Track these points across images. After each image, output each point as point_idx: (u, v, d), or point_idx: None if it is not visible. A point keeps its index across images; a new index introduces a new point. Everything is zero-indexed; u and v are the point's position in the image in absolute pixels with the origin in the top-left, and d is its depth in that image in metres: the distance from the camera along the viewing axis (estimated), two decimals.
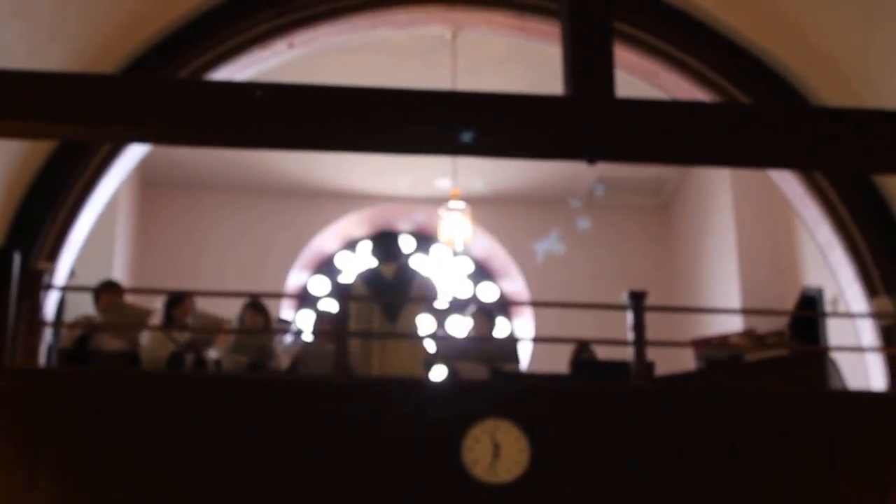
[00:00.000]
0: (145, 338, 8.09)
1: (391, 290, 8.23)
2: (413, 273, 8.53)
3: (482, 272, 13.69)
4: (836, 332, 9.83)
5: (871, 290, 8.80)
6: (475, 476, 6.81)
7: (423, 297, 8.44)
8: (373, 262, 8.59)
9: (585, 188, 12.88)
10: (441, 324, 9.16)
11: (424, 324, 8.37)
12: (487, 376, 8.01)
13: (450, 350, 8.47)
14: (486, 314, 8.83)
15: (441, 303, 9.18)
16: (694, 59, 9.22)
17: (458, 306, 12.66)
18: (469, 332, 8.83)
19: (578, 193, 12.92)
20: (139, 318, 8.05)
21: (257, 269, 12.53)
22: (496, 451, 6.84)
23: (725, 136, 4.99)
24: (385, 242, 9.02)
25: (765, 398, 7.26)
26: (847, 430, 7.07)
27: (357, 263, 13.37)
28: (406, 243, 13.60)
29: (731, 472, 6.95)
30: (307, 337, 8.95)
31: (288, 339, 9.28)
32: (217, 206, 13.05)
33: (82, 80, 5.26)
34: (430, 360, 8.31)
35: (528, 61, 10.75)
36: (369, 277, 8.36)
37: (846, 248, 8.96)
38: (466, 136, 4.75)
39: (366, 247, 13.49)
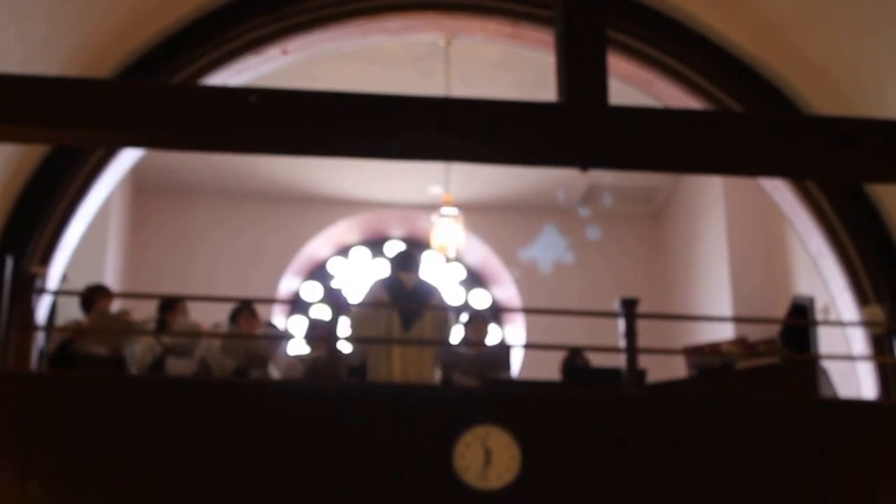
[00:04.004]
0: (135, 344, 8.10)
1: (411, 300, 8.31)
2: (430, 286, 8.61)
3: (474, 279, 13.70)
4: (826, 340, 9.84)
5: (862, 298, 8.81)
6: (466, 482, 6.82)
7: (441, 309, 8.45)
8: (370, 268, 8.58)
9: (578, 195, 12.89)
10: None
11: (443, 335, 8.39)
12: (478, 383, 8.01)
13: (445, 359, 8.48)
14: (480, 320, 8.84)
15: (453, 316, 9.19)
16: (687, 68, 9.23)
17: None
18: (463, 338, 8.82)
19: (571, 200, 12.93)
20: (122, 327, 8.07)
21: (249, 274, 12.52)
22: (487, 457, 6.85)
23: (718, 144, 5.00)
24: (405, 252, 9.00)
25: (756, 406, 7.28)
26: (837, 439, 7.10)
27: (349, 269, 13.36)
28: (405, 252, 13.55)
29: (721, 480, 6.97)
30: (301, 344, 8.92)
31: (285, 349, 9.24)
32: (209, 211, 13.04)
33: (76, 84, 5.24)
34: (443, 368, 8.34)
35: (521, 68, 10.75)
36: (391, 284, 8.40)
37: (837, 256, 8.97)
38: None
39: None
